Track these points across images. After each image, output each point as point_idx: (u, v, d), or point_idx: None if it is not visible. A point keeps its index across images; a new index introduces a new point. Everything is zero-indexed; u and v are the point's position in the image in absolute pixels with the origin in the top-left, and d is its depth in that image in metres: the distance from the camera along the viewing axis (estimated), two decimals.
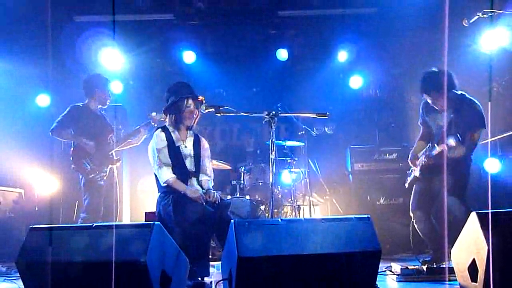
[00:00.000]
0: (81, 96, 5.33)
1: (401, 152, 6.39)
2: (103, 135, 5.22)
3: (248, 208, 5.77)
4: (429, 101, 4.57)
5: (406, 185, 4.87)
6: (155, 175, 4.02)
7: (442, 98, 4.47)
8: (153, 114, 5.21)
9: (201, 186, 4.07)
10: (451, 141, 4.18)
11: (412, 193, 4.73)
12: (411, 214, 4.68)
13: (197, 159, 4.11)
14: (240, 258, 2.73)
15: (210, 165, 4.26)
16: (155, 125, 5.23)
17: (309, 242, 2.87)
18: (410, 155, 4.80)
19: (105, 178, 5.12)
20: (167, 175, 3.90)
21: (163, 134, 4.02)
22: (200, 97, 4.09)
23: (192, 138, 4.18)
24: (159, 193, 4.01)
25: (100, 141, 5.16)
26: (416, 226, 4.65)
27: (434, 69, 4.56)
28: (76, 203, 5.54)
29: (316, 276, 2.86)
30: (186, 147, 4.08)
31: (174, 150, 3.99)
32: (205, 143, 4.28)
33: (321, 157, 7.04)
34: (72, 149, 5.15)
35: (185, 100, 4.05)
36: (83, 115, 5.19)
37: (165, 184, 3.90)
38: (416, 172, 4.67)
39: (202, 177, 4.11)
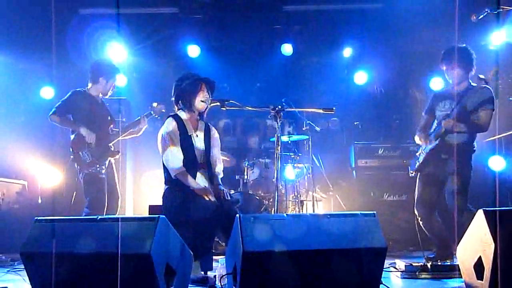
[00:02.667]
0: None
1: (405, 148, 6.40)
2: (103, 124, 5.08)
3: (255, 203, 5.78)
4: (444, 68, 4.55)
5: (412, 173, 4.78)
6: (164, 166, 3.92)
7: (456, 69, 4.45)
8: (154, 104, 5.13)
9: (210, 178, 4.01)
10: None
11: (416, 187, 4.71)
12: (415, 211, 4.66)
13: (208, 149, 4.03)
14: (245, 252, 2.71)
15: (220, 156, 4.19)
16: (157, 116, 5.17)
17: (314, 238, 2.85)
18: (418, 133, 4.74)
19: (103, 171, 4.95)
20: (178, 166, 3.82)
21: (174, 123, 3.91)
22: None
23: (203, 128, 4.09)
24: (166, 186, 3.93)
25: (101, 132, 5.03)
26: (420, 222, 4.63)
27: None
28: (73, 195, 5.38)
29: (320, 272, 2.85)
30: (197, 136, 4.00)
31: (185, 140, 3.90)
32: (215, 133, 4.19)
33: (325, 152, 7.04)
34: (72, 138, 4.98)
35: (198, 83, 3.97)
36: (84, 100, 5.02)
37: (175, 176, 3.83)
38: (428, 147, 4.60)
39: (212, 169, 4.05)
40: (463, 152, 4.42)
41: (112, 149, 5.14)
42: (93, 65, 5.18)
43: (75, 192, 5.25)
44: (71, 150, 4.98)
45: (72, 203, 5.26)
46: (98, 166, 4.92)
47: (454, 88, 4.53)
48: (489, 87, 4.42)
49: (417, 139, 4.73)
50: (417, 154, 4.78)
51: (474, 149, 4.50)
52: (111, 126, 5.18)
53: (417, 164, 4.68)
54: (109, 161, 5.10)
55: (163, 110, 5.08)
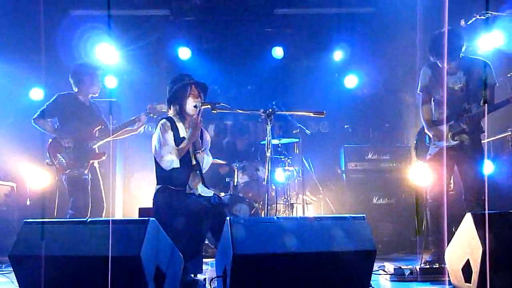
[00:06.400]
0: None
1: (395, 152, 6.44)
2: (88, 127, 5.02)
3: (246, 207, 5.79)
4: (440, 64, 4.41)
5: (419, 161, 4.68)
6: (156, 167, 3.91)
7: (453, 60, 4.35)
8: (154, 104, 5.07)
9: (203, 178, 4.03)
10: None
11: (431, 176, 4.49)
12: (427, 197, 4.48)
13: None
14: (236, 255, 2.72)
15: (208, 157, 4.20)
16: (154, 116, 5.08)
17: (305, 241, 2.88)
18: (426, 126, 4.54)
19: (86, 172, 4.89)
20: (171, 159, 3.82)
21: (168, 124, 3.93)
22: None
23: None
24: (157, 188, 3.91)
25: (83, 135, 4.97)
26: (428, 213, 4.46)
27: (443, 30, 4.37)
28: (56, 196, 5.33)
29: (310, 274, 2.87)
30: None
31: (179, 141, 3.91)
32: (207, 136, 4.23)
33: (315, 155, 7.05)
34: (49, 142, 4.95)
35: (188, 86, 3.99)
36: (69, 103, 5.00)
37: (171, 168, 3.81)
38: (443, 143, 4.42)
39: (203, 170, 4.07)
40: (480, 139, 4.40)
41: (97, 151, 5.07)
42: (73, 69, 5.14)
43: (57, 193, 5.19)
44: (47, 153, 4.95)
45: (57, 204, 5.21)
46: (76, 168, 4.87)
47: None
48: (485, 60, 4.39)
49: (430, 133, 4.51)
50: (427, 144, 4.57)
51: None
52: (98, 128, 5.11)
53: (428, 156, 4.51)
54: (93, 164, 5.03)
55: (163, 110, 4.96)
